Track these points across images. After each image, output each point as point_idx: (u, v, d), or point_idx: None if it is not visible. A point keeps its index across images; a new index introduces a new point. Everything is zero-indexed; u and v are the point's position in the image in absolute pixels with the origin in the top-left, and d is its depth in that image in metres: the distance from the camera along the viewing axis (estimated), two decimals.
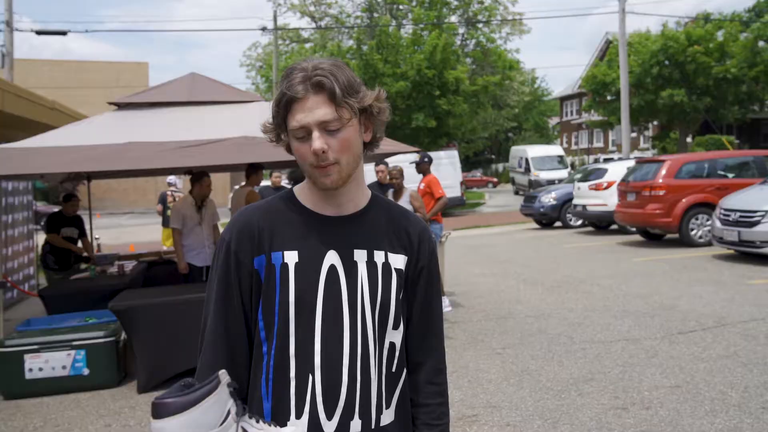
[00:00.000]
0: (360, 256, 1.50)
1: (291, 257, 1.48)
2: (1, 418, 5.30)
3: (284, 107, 1.43)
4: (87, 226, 8.68)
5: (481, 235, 17.21)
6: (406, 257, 1.55)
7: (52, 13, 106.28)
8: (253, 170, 7.85)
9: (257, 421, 1.17)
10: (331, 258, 1.49)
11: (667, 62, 26.99)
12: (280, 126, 1.47)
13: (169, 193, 12.24)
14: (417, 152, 8.50)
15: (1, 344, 5.76)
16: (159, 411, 1.06)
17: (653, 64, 26.92)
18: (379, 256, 1.52)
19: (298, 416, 1.43)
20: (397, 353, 1.55)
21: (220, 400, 1.09)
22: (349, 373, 1.47)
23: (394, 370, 1.55)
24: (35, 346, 5.71)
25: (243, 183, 8.16)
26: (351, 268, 1.49)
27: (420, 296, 1.59)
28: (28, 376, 5.69)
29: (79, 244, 8.38)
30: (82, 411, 5.36)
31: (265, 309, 1.49)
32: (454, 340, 6.76)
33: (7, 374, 5.69)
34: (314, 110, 1.40)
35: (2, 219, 7.51)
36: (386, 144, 6.45)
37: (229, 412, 1.10)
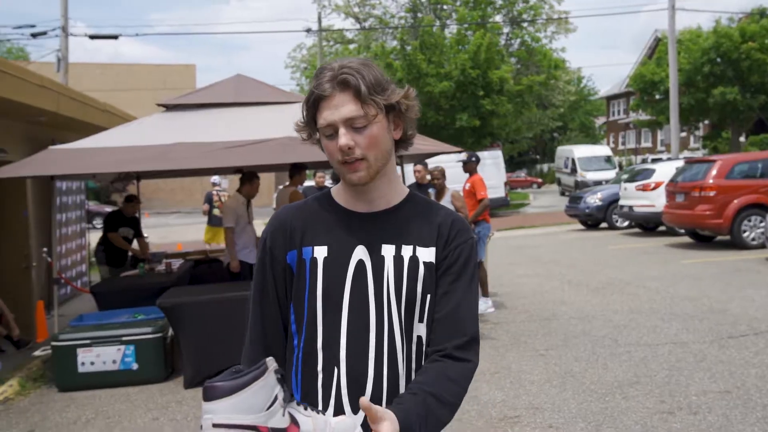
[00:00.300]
0: (388, 250, 1.52)
1: (320, 252, 1.52)
2: (57, 410, 5.49)
3: (312, 105, 1.47)
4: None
5: (525, 236, 17.04)
6: (436, 249, 1.54)
7: (106, 18, 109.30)
8: (296, 170, 7.94)
9: (305, 408, 1.20)
10: (360, 253, 1.51)
11: (719, 60, 26.25)
12: (310, 124, 1.51)
13: (214, 192, 12.50)
14: (459, 152, 8.47)
15: (55, 339, 5.96)
16: (210, 394, 1.11)
17: (705, 62, 26.22)
18: (406, 251, 1.52)
19: (325, 409, 1.45)
20: (423, 347, 1.54)
21: (268, 385, 1.12)
22: (375, 366, 1.47)
23: (422, 363, 1.54)
24: (87, 341, 5.89)
25: (287, 183, 8.25)
26: (378, 262, 1.51)
27: (445, 285, 1.54)
28: (80, 369, 5.88)
29: (134, 244, 8.63)
30: (131, 404, 5.51)
31: (296, 302, 1.54)
32: (496, 341, 6.72)
33: (62, 367, 5.90)
34: (340, 107, 1.43)
35: (56, 218, 7.79)
36: (427, 144, 6.46)
37: (276, 397, 1.13)
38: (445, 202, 7.65)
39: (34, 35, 18.36)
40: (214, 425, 1.10)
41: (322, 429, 1.20)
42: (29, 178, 7.47)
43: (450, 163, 18.45)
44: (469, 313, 1.55)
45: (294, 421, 1.17)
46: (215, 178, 12.60)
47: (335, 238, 1.53)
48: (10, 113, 8.28)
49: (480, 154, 22.62)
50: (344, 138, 1.43)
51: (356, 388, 1.46)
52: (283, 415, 1.14)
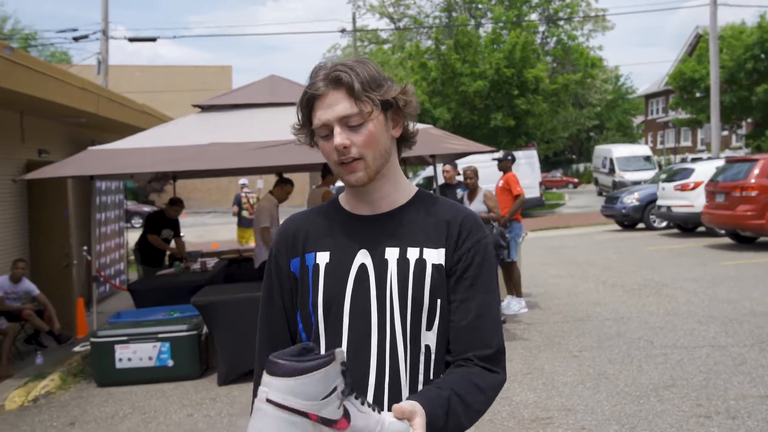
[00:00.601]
0: (391, 254, 1.44)
1: (323, 258, 1.48)
2: (96, 404, 5.63)
3: (307, 106, 1.43)
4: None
5: (560, 236, 16.85)
6: (445, 249, 1.45)
7: (145, 20, 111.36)
8: (328, 170, 7.99)
9: (362, 403, 1.20)
10: (362, 257, 1.45)
11: (763, 56, 25.59)
12: (306, 126, 1.46)
13: (243, 194, 12.76)
14: (491, 152, 8.41)
15: (94, 335, 6.11)
16: (271, 368, 1.12)
17: (748, 59, 25.58)
18: (412, 253, 1.44)
19: None
20: (433, 357, 1.43)
21: (329, 375, 1.12)
22: (376, 376, 1.41)
23: (432, 376, 1.43)
24: (125, 338, 6.02)
25: (319, 183, 8.32)
26: (381, 266, 1.44)
27: (462, 291, 1.44)
28: (118, 365, 6.01)
29: (172, 243, 8.80)
30: (166, 400, 5.61)
31: (302, 309, 1.50)
32: (529, 341, 6.67)
33: (100, 363, 6.04)
34: (334, 106, 1.38)
35: (96, 217, 7.98)
36: (460, 143, 6.44)
37: (335, 389, 1.14)
38: (478, 202, 7.61)
39: (76, 39, 18.79)
40: (268, 400, 1.11)
41: (373, 428, 1.19)
42: (70, 179, 7.66)
43: (483, 163, 18.37)
44: (491, 321, 1.45)
45: (347, 414, 1.16)
46: (243, 180, 12.85)
47: (337, 243, 1.48)
48: (53, 115, 8.51)
49: (514, 154, 22.45)
50: (339, 137, 1.38)
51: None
52: (338, 407, 1.14)
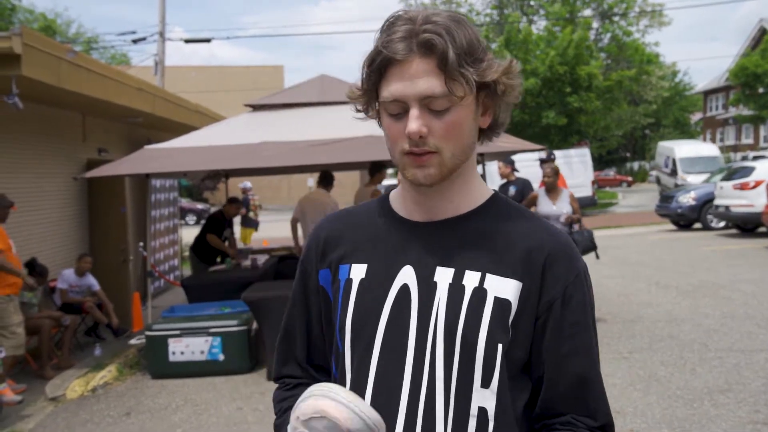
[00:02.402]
0: (443, 275, 1.10)
1: (358, 272, 1.16)
2: (150, 395, 5.80)
3: (377, 70, 1.07)
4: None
5: (612, 236, 16.51)
6: (521, 284, 1.08)
7: (202, 21, 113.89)
8: (376, 168, 8.02)
9: None
10: (405, 276, 1.12)
11: None
12: (370, 93, 1.11)
13: (250, 197, 13.48)
14: (541, 149, 8.29)
15: (149, 329, 6.30)
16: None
17: None
18: (470, 278, 1.09)
19: None
20: (491, 427, 1.07)
21: None
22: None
23: None
24: (177, 332, 6.19)
25: (367, 182, 8.36)
26: (428, 291, 1.10)
27: (555, 343, 1.09)
28: (171, 358, 6.18)
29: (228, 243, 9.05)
30: (217, 393, 5.75)
31: (329, 330, 1.22)
32: None
33: (154, 356, 6.22)
34: (416, 80, 1.03)
35: (151, 214, 8.22)
36: (509, 142, 6.39)
37: None
38: (563, 202, 7.28)
39: (134, 41, 19.36)
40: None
41: None
42: (127, 176, 7.91)
43: (526, 162, 18.10)
44: (597, 387, 1.11)
45: None
46: (247, 184, 13.45)
47: (378, 255, 1.16)
48: (112, 115, 8.80)
49: (567, 152, 22.14)
50: (416, 122, 1.04)
51: None
52: None
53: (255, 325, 6.33)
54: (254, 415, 5.15)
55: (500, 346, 1.07)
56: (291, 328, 1.28)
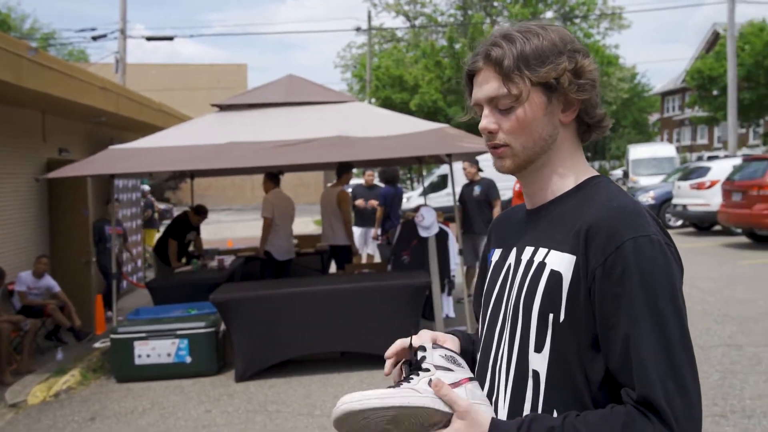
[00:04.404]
0: (526, 254, 1.26)
1: (495, 256, 1.38)
2: (115, 399, 5.72)
3: (467, 82, 1.30)
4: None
5: None
6: (575, 257, 1.16)
7: (165, 19, 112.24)
8: (344, 169, 8.04)
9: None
10: (512, 257, 1.30)
11: None
12: (470, 101, 1.31)
13: (152, 199, 13.65)
14: None
15: (114, 331, 6.20)
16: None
17: (766, 56, 25.34)
18: (540, 254, 1.22)
19: None
20: (542, 388, 1.16)
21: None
22: (487, 393, 1.25)
23: (540, 410, 1.16)
24: (143, 334, 6.11)
25: (334, 182, 8.37)
26: (516, 267, 1.28)
27: (599, 317, 1.12)
28: (137, 361, 6.11)
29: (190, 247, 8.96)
30: (185, 396, 5.70)
31: None
32: None
33: (120, 359, 6.14)
34: (483, 85, 1.24)
35: (115, 215, 8.09)
36: (475, 143, 6.47)
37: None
38: None
39: (95, 38, 19.00)
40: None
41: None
42: (89, 177, 7.78)
43: (490, 161, 18.23)
44: (649, 358, 1.07)
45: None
46: (145, 187, 13.63)
47: (505, 241, 1.36)
48: (74, 114, 8.64)
49: None
50: (485, 120, 1.24)
51: None
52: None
53: (223, 326, 6.29)
54: (223, 417, 5.12)
55: (551, 315, 1.16)
56: (476, 296, 1.47)
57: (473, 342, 1.43)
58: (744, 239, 13.40)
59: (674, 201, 15.77)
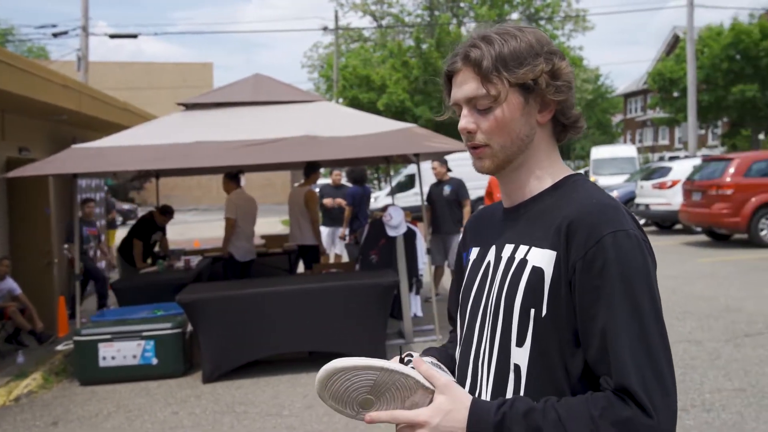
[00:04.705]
0: (507, 251, 1.28)
1: (473, 254, 1.40)
2: (79, 403, 5.62)
3: (445, 83, 1.32)
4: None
5: None
6: (555, 253, 1.18)
7: (128, 16, 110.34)
8: (311, 169, 8.03)
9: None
10: (491, 254, 1.33)
11: (738, 57, 26.00)
12: (449, 101, 1.33)
13: (114, 201, 13.58)
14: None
15: (77, 333, 6.10)
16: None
17: (723, 59, 25.98)
18: (521, 251, 1.25)
19: None
20: (524, 382, 1.19)
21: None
22: (469, 390, 1.28)
23: None
24: (108, 336, 6.02)
25: (301, 181, 8.35)
26: (496, 264, 1.30)
27: (579, 309, 1.15)
28: (101, 364, 6.01)
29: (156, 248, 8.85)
30: (151, 398, 5.63)
31: None
32: None
33: (84, 362, 6.03)
34: (462, 86, 1.26)
35: (78, 215, 7.93)
36: (443, 143, 6.51)
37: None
38: None
39: (55, 35, 18.61)
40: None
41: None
42: (51, 176, 7.62)
43: (461, 161, 18.37)
44: (626, 348, 1.09)
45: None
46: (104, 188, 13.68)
47: (483, 239, 1.39)
48: (34, 112, 8.45)
49: None
50: (464, 120, 1.26)
51: None
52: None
53: (190, 327, 6.23)
54: (190, 419, 5.07)
55: (533, 310, 1.19)
56: (452, 295, 1.53)
57: (451, 357, 1.44)
58: (704, 237, 13.74)
59: (637, 200, 16.09)
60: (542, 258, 1.20)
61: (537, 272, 1.19)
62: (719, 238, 13.35)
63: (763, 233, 11.98)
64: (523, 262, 1.23)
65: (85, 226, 8.75)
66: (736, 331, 6.55)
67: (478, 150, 1.27)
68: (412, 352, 1.27)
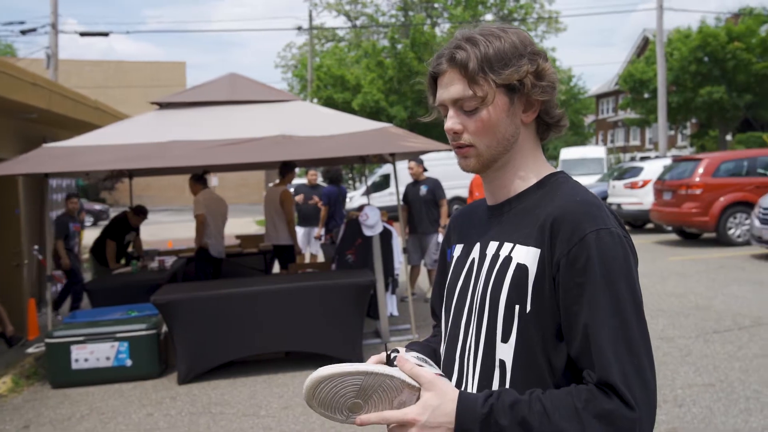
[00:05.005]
0: (491, 248, 1.30)
1: (457, 251, 1.43)
2: (50, 406, 5.53)
3: (431, 83, 1.33)
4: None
5: None
6: (539, 250, 1.21)
7: (99, 14, 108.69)
8: (287, 169, 8.00)
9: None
10: (475, 251, 1.35)
11: (706, 59, 26.50)
12: (433, 102, 1.34)
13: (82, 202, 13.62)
14: (450, 150, 8.54)
15: (49, 336, 6.00)
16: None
17: (692, 61, 26.46)
18: (505, 249, 1.27)
19: None
20: (509, 377, 1.21)
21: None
22: (455, 384, 1.31)
23: None
24: (81, 338, 5.93)
25: (276, 181, 8.32)
26: (481, 261, 1.32)
27: (563, 305, 1.18)
28: (74, 366, 5.92)
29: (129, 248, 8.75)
30: (125, 400, 5.56)
31: None
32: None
33: (55, 364, 5.93)
34: (449, 87, 1.27)
35: (49, 215, 7.80)
36: (418, 142, 6.54)
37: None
38: None
39: (23, 32, 18.27)
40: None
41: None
42: (21, 176, 7.49)
43: (436, 161, 18.48)
44: (601, 340, 1.12)
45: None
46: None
47: (467, 236, 1.41)
48: (2, 111, 8.29)
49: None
50: (450, 121, 1.27)
51: None
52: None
53: (165, 328, 6.17)
54: (166, 421, 5.03)
55: (517, 306, 1.21)
56: (435, 292, 1.55)
57: (434, 351, 1.47)
58: (674, 237, 13.97)
59: (609, 200, 16.31)
60: (526, 255, 1.22)
61: (521, 269, 1.22)
62: (689, 237, 13.59)
63: (730, 232, 12.22)
64: (508, 259, 1.25)
65: (70, 222, 8.63)
66: (705, 328, 6.68)
67: (464, 149, 1.29)
68: (398, 348, 1.29)
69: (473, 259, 1.34)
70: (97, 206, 26.67)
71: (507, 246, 1.27)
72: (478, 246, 1.35)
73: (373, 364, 1.18)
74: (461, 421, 1.14)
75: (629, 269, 1.18)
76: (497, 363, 1.23)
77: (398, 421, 1.16)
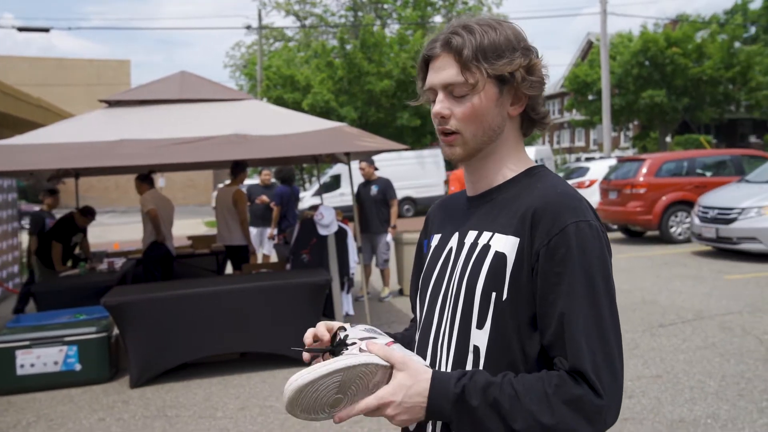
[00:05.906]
0: (470, 237, 1.32)
1: (434, 241, 1.44)
2: None
3: (422, 68, 1.35)
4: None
5: None
6: (518, 239, 1.23)
7: (38, 9, 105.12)
8: (239, 168, 7.91)
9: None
10: (453, 241, 1.37)
11: (647, 63, 27.36)
12: (422, 85, 1.36)
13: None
14: (404, 149, 8.61)
15: None
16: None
17: (633, 65, 27.28)
18: (484, 238, 1.29)
19: None
20: (482, 363, 1.23)
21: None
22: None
23: None
24: (26, 342, 5.73)
25: (227, 181, 8.21)
26: (459, 250, 1.34)
27: (539, 294, 1.20)
28: (19, 372, 5.72)
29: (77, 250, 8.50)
30: (75, 406, 5.41)
31: None
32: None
33: None
34: (441, 71, 1.28)
35: None
36: (373, 142, 6.56)
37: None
38: None
39: None
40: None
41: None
42: None
43: (388, 161, 18.55)
44: (582, 332, 1.15)
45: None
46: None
47: (445, 226, 1.43)
48: None
49: (420, 152, 23.00)
50: (439, 104, 1.28)
51: None
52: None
53: (116, 331, 6.02)
54: (119, 425, 4.91)
55: (494, 294, 1.23)
56: (413, 281, 1.55)
57: (408, 337, 1.52)
58: (620, 235, 14.37)
59: None
60: (505, 244, 1.24)
61: (500, 257, 1.23)
62: (634, 234, 14.01)
63: (672, 230, 12.65)
64: (486, 247, 1.26)
65: (48, 219, 8.34)
66: (651, 322, 6.90)
67: (450, 137, 1.30)
68: (344, 325, 1.31)
69: (451, 247, 1.36)
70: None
71: (486, 234, 1.28)
72: (456, 235, 1.36)
73: (346, 357, 1.19)
74: (433, 400, 1.16)
75: (606, 262, 1.22)
76: (471, 348, 1.24)
77: (374, 406, 1.17)
